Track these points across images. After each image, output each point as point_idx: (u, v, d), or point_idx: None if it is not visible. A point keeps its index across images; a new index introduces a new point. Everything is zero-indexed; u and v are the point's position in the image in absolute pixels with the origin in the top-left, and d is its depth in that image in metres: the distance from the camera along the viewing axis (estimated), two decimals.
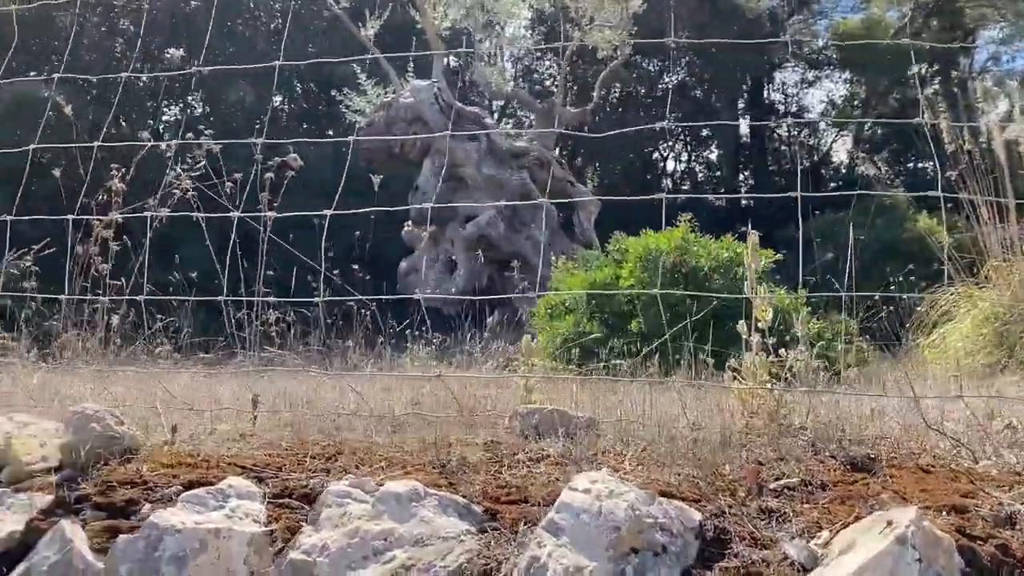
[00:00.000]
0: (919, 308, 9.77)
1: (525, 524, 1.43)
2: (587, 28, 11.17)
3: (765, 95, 27.79)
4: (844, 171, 27.50)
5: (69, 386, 2.69)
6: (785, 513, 1.43)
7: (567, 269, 6.45)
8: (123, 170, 3.96)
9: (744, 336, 2.28)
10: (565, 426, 1.91)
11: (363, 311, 5.46)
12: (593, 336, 5.48)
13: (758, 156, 27.38)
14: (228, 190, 4.51)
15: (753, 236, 2.38)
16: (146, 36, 18.51)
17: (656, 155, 26.81)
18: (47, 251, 4.73)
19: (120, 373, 3.09)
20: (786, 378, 2.17)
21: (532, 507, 1.49)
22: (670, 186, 28.07)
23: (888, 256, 14.58)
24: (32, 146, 3.69)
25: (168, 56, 19.51)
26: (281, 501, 1.64)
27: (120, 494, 1.63)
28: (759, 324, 2.26)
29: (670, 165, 27.80)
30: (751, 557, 1.31)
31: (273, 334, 4.48)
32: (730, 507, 1.45)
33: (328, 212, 3.69)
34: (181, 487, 1.66)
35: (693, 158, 27.77)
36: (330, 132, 18.43)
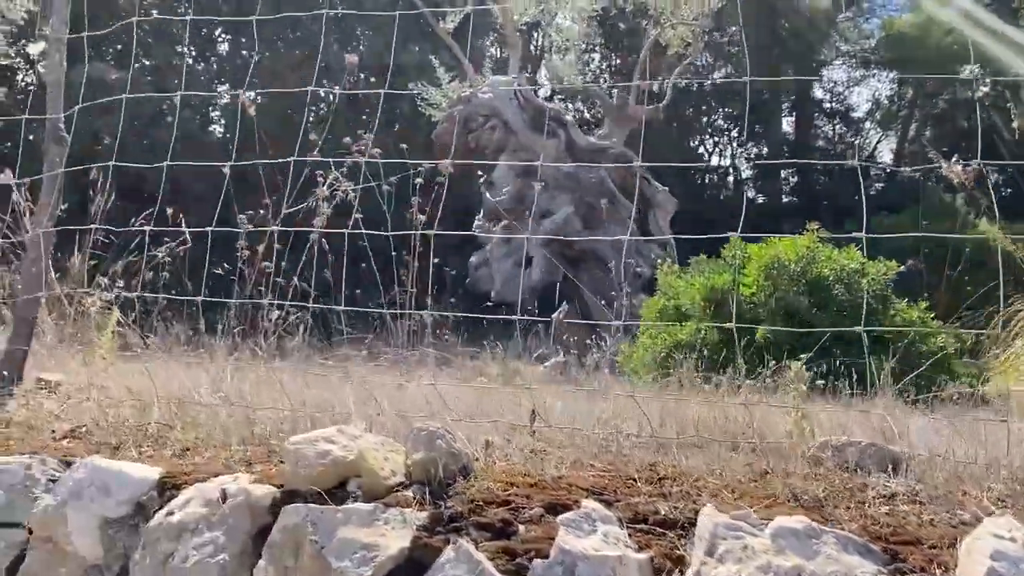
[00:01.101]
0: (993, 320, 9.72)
1: (937, 567, 1.49)
2: (666, 25, 11.15)
3: (812, 92, 27.61)
4: (889, 171, 27.30)
5: (319, 392, 2.78)
6: None
7: (674, 273, 6.48)
8: (335, 177, 4.01)
9: None
10: (891, 461, 1.96)
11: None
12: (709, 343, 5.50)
13: (802, 154, 27.20)
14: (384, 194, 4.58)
15: None
16: (204, 20, 18.62)
17: (701, 149, 26.74)
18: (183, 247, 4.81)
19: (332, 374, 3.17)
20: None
21: (930, 550, 1.54)
22: (715, 180, 28.06)
23: (953, 263, 14.38)
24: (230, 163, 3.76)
25: (223, 41, 19.61)
26: (639, 527, 1.70)
27: (492, 514, 1.70)
28: None
29: (714, 160, 27.73)
30: None
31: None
32: None
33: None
34: (541, 509, 1.73)
35: (738, 154, 27.67)
36: (395, 126, 18.50)
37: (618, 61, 20.26)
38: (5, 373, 3.13)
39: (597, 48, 20.47)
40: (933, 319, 5.44)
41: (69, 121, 3.88)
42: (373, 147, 4.65)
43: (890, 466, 1.94)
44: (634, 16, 11.30)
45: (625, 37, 17.27)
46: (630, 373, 5.98)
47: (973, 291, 11.29)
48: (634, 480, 1.90)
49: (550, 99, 13.15)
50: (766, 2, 20.32)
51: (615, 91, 12.07)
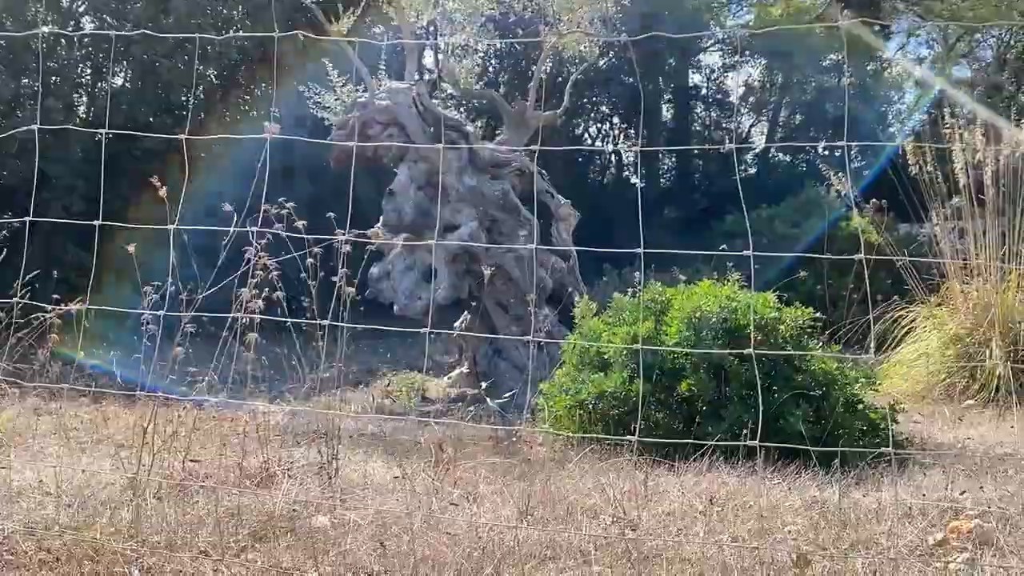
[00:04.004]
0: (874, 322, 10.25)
1: None
2: (565, 33, 11.12)
3: (689, 79, 28.31)
4: (759, 156, 28.42)
5: None
6: None
7: (590, 310, 6.46)
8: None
9: None
10: None
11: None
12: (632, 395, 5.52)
13: (682, 140, 27.95)
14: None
15: None
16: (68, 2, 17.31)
17: (585, 135, 27.05)
18: None
19: None
20: None
21: None
22: (597, 166, 28.51)
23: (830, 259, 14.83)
24: None
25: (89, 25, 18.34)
26: None
27: None
28: None
29: (597, 145, 28.10)
30: None
31: None
32: None
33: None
34: None
35: (620, 140, 28.16)
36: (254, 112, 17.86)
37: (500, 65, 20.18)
38: None
39: (494, 52, 20.32)
40: (851, 366, 5.64)
41: None
42: None
43: None
44: (530, 21, 11.18)
45: (523, 41, 17.15)
46: (551, 421, 5.96)
47: (850, 284, 11.87)
48: None
49: (456, 107, 12.90)
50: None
51: (513, 97, 11.95)
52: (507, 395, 7.31)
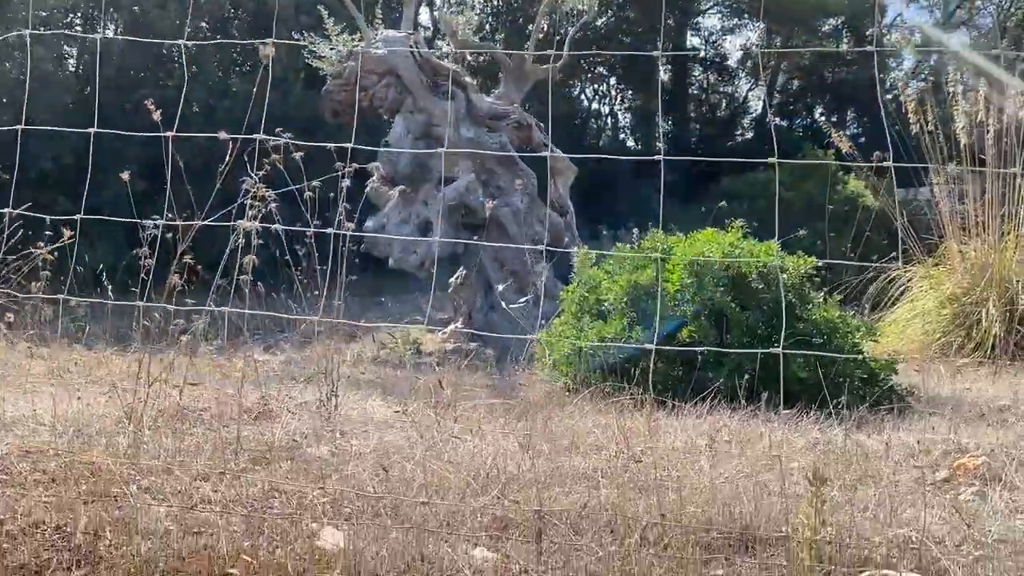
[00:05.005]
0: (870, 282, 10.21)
1: None
2: None
3: (687, 40, 28.00)
4: (756, 120, 28.21)
5: None
6: None
7: (591, 259, 6.39)
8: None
9: None
10: None
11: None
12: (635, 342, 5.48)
13: (679, 103, 27.72)
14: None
15: None
16: None
17: (582, 96, 26.80)
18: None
19: None
20: None
21: None
22: (595, 125, 28.27)
23: (820, 219, 14.83)
24: None
25: None
26: None
27: None
28: None
29: (594, 107, 27.86)
30: None
31: None
32: None
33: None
34: None
35: (617, 102, 27.92)
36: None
37: (519, 19, 19.90)
38: None
39: (491, 9, 20.05)
40: (852, 316, 5.60)
41: None
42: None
43: None
44: None
45: None
46: (549, 368, 5.91)
47: (847, 244, 11.83)
48: None
49: (457, 61, 12.72)
50: None
51: (512, 50, 11.75)
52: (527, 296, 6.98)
